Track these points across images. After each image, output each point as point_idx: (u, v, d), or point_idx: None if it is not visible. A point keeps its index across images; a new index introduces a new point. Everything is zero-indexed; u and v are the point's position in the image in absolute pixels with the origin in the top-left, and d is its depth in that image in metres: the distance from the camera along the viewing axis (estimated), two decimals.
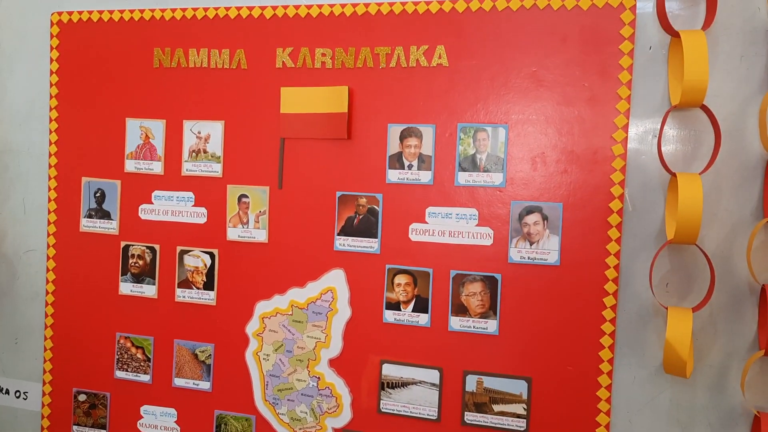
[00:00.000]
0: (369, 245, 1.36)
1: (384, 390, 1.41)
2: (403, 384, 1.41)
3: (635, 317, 1.28)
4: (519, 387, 1.34)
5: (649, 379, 1.27)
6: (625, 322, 1.29)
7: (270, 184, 1.39)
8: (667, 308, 1.19)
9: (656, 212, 1.24)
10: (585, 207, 1.29)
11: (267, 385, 1.47)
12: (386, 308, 1.39)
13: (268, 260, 1.41)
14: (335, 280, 1.38)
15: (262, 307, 1.43)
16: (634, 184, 1.25)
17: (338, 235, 1.38)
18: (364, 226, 1.36)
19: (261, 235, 1.40)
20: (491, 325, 1.35)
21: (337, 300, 1.38)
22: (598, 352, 1.29)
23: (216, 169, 1.41)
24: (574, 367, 1.30)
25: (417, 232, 1.35)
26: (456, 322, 1.37)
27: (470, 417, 1.37)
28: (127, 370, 1.49)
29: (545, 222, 1.31)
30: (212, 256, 1.43)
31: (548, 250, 1.31)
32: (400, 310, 1.39)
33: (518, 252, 1.33)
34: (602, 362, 1.28)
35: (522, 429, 1.34)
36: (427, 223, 1.33)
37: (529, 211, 1.32)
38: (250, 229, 1.39)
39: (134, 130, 1.45)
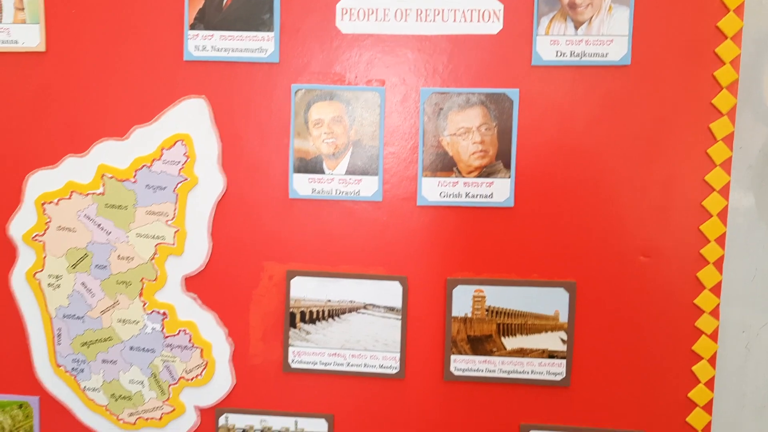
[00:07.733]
0: (255, 47, 0.73)
1: (296, 327, 0.74)
2: (334, 313, 0.74)
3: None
4: (553, 300, 0.72)
5: None
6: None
7: None
8: None
9: None
10: None
11: (58, 336, 0.77)
12: (295, 170, 0.73)
13: (47, 86, 0.76)
14: (189, 119, 0.75)
15: (39, 183, 0.77)
16: None
17: (191, 29, 0.74)
18: (244, 8, 0.73)
19: (30, 37, 0.76)
20: (501, 189, 0.71)
21: (195, 160, 0.75)
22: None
23: None
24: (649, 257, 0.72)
25: (352, 16, 0.71)
26: (432, 188, 0.72)
27: (462, 364, 0.74)
28: None
29: None
30: None
31: (610, 36, 0.70)
32: (323, 172, 0.73)
33: (552, 44, 0.70)
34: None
35: (560, 377, 0.73)
36: None
37: None
38: (6, 25, 0.76)
39: None
